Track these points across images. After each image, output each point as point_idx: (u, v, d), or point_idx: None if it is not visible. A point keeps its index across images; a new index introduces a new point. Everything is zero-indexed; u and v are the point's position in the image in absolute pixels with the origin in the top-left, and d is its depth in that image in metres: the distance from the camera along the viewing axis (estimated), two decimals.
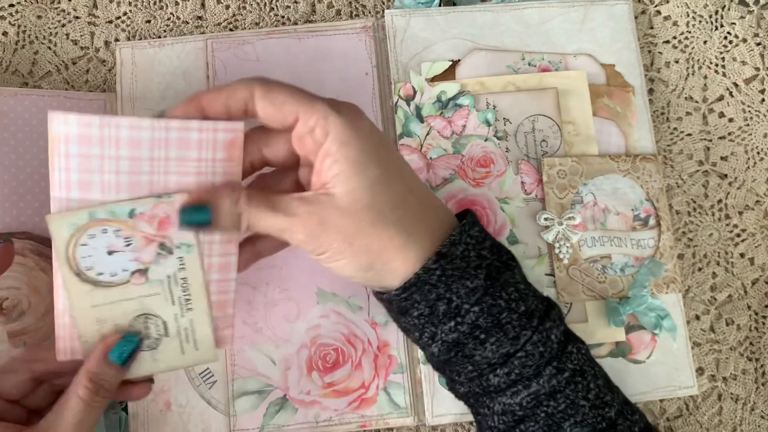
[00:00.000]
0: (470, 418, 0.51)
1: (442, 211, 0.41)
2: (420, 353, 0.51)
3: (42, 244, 0.49)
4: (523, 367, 0.39)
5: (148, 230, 0.39)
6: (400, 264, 0.39)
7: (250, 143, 0.40)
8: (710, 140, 0.57)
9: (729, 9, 0.59)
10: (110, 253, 0.39)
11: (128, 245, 0.39)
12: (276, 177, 0.43)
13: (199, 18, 0.57)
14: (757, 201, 0.56)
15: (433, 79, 0.55)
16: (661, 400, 0.53)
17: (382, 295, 0.41)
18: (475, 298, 0.38)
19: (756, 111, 0.57)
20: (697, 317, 0.55)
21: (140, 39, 0.57)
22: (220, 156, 0.39)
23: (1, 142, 0.50)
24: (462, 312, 0.39)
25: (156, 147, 0.38)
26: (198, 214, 0.38)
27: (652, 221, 0.53)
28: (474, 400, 0.42)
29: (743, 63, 0.58)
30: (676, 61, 0.58)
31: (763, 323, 0.55)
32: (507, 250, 0.42)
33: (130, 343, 0.41)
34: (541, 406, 0.39)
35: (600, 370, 0.42)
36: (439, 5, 0.57)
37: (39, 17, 0.57)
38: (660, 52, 0.58)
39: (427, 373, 0.51)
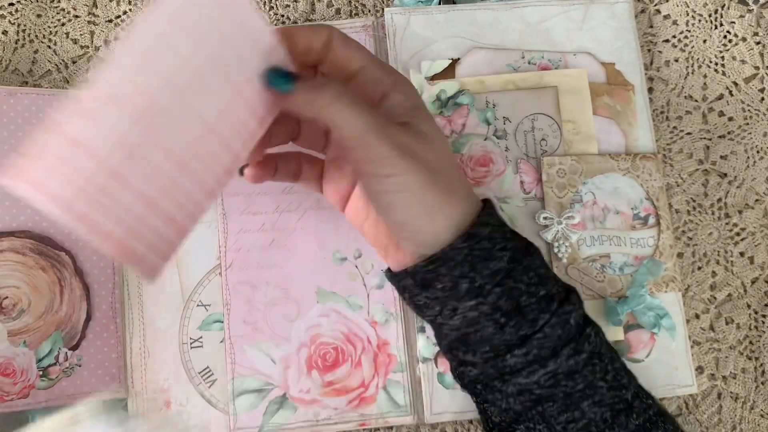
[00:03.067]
0: (470, 416, 0.51)
1: (470, 188, 0.42)
2: (419, 351, 0.51)
3: (42, 243, 0.49)
4: (540, 348, 0.39)
5: None
6: (441, 221, 0.38)
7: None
8: (710, 139, 0.57)
9: (729, 8, 0.59)
10: None
11: None
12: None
13: None
14: (757, 200, 0.56)
15: (433, 78, 0.54)
16: (661, 399, 0.53)
17: (404, 272, 0.40)
18: (497, 280, 0.39)
19: (756, 110, 0.57)
20: (697, 316, 0.55)
21: None
22: None
23: (1, 141, 0.50)
24: (484, 292, 0.39)
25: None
26: (285, 79, 0.36)
27: (651, 220, 0.53)
28: (483, 385, 0.42)
29: (743, 62, 0.58)
30: (676, 60, 0.58)
31: (763, 322, 0.55)
32: (524, 237, 0.42)
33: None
34: (559, 386, 0.40)
35: (616, 354, 0.42)
36: (439, 3, 0.56)
37: (39, 16, 0.57)
38: (660, 51, 0.58)
39: (427, 372, 0.51)
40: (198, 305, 0.52)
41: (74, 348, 0.49)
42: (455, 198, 0.39)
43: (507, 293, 0.39)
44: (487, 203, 0.41)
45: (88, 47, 0.57)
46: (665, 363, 0.52)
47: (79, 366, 0.49)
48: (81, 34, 0.57)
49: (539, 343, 0.39)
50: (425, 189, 0.37)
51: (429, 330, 0.51)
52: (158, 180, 0.32)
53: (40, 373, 0.49)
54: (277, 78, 0.36)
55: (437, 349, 0.51)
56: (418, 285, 0.40)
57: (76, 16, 0.57)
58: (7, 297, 0.49)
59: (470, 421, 0.52)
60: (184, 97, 0.32)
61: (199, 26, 0.32)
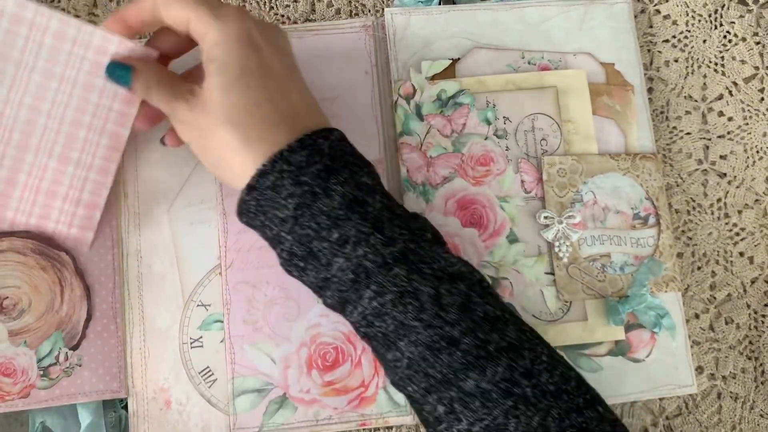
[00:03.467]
0: None
1: (301, 124, 0.42)
2: None
3: (43, 243, 0.49)
4: (339, 291, 0.40)
5: None
6: (238, 168, 0.41)
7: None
8: (709, 139, 0.57)
9: (728, 8, 0.59)
10: None
11: None
12: None
13: None
14: (757, 200, 0.56)
15: (433, 78, 0.55)
16: (661, 399, 0.53)
17: None
18: (287, 228, 0.40)
19: (755, 110, 0.57)
20: (697, 316, 0.55)
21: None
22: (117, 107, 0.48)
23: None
24: (280, 239, 0.41)
25: (76, 45, 0.46)
26: (120, 73, 0.44)
27: (651, 220, 0.54)
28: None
29: (743, 62, 0.58)
30: (676, 60, 0.58)
31: (763, 322, 0.55)
32: (346, 171, 0.41)
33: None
34: (373, 326, 0.40)
35: (453, 288, 0.40)
36: (439, 4, 0.57)
37: None
38: (659, 51, 0.58)
39: None
40: (198, 305, 0.52)
41: (75, 348, 0.49)
42: (263, 137, 0.41)
43: (297, 240, 0.40)
44: (309, 138, 0.41)
45: None
46: (665, 363, 0.52)
47: (80, 366, 0.49)
48: None
49: (337, 287, 0.40)
50: (201, 152, 0.43)
51: None
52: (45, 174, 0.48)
53: (41, 372, 0.49)
54: (114, 74, 0.45)
55: None
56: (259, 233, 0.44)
57: (77, 17, 0.57)
58: (7, 297, 0.49)
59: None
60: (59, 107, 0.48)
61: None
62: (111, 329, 0.50)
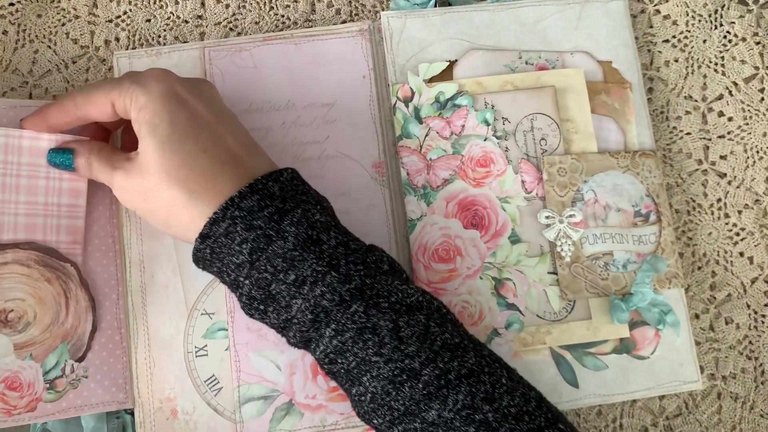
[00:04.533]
0: None
1: (242, 171, 0.42)
2: None
3: (47, 254, 0.49)
4: (301, 332, 0.41)
5: None
6: (187, 221, 0.42)
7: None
8: (709, 139, 0.57)
9: (728, 8, 0.59)
10: None
11: None
12: None
13: (199, 17, 0.57)
14: (756, 200, 0.56)
15: (431, 80, 0.55)
16: (661, 399, 0.53)
17: None
18: (245, 273, 0.41)
19: (755, 110, 0.58)
20: (697, 316, 0.55)
21: (140, 38, 0.57)
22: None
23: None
24: (239, 284, 0.41)
25: (9, 152, 0.48)
26: (61, 158, 0.47)
27: (653, 217, 0.54)
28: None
29: (743, 62, 0.58)
30: (676, 60, 0.58)
31: (763, 322, 0.55)
32: (299, 211, 0.42)
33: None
34: (336, 363, 0.41)
35: (411, 319, 0.40)
36: (435, 6, 0.57)
37: (39, 16, 0.57)
38: (659, 51, 0.59)
39: None
40: (202, 314, 0.52)
41: (80, 360, 0.49)
42: (207, 187, 0.41)
43: (255, 284, 0.40)
44: (259, 182, 0.42)
45: (88, 47, 0.57)
46: (670, 359, 0.52)
47: (86, 377, 0.49)
48: (81, 34, 0.57)
49: (297, 328, 0.41)
50: (148, 214, 0.44)
51: None
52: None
53: (47, 385, 0.49)
54: (56, 160, 0.47)
55: None
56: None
57: (77, 16, 0.57)
58: (12, 310, 0.48)
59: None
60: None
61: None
62: (116, 340, 0.50)
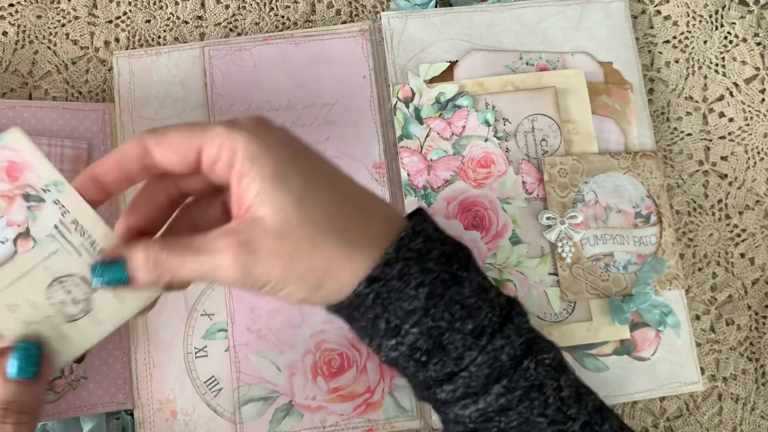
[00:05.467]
0: None
1: (385, 213, 0.38)
2: None
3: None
4: (467, 386, 0.37)
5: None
6: (349, 276, 0.35)
7: (163, 178, 0.37)
8: (710, 140, 0.57)
9: (729, 9, 0.59)
10: None
11: None
12: (201, 207, 0.40)
13: (199, 18, 0.57)
14: (757, 201, 0.56)
15: (432, 81, 0.54)
16: (662, 400, 0.53)
17: (328, 308, 0.39)
18: (414, 320, 0.36)
19: (756, 111, 0.57)
20: (698, 317, 0.55)
21: (140, 39, 0.57)
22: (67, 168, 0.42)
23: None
24: (402, 332, 0.36)
25: None
26: (113, 272, 0.35)
27: (653, 218, 0.54)
28: (432, 405, 0.40)
29: (743, 63, 0.58)
30: (676, 61, 0.58)
31: (764, 323, 0.55)
32: (462, 253, 0.38)
33: (24, 351, 0.35)
34: (491, 422, 0.37)
35: (568, 379, 0.39)
36: (436, 6, 0.56)
37: (39, 17, 0.57)
38: (660, 52, 0.58)
39: None
40: (202, 314, 0.51)
41: (79, 361, 0.49)
42: (364, 237, 0.36)
43: (426, 333, 0.36)
44: (414, 220, 0.37)
45: (88, 48, 0.57)
46: (671, 361, 0.52)
47: (85, 378, 0.49)
48: (81, 35, 0.57)
49: (465, 382, 0.37)
50: (296, 281, 0.35)
51: None
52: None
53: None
54: (106, 282, 0.35)
55: None
56: (345, 320, 0.39)
57: (76, 17, 0.57)
58: None
59: None
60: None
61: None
62: (115, 341, 0.50)
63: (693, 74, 0.58)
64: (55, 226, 0.35)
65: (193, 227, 0.38)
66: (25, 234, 0.35)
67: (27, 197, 0.35)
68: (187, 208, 0.39)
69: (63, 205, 0.35)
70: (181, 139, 0.34)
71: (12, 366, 0.35)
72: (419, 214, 0.38)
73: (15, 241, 0.34)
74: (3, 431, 0.34)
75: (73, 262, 0.35)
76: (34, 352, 0.35)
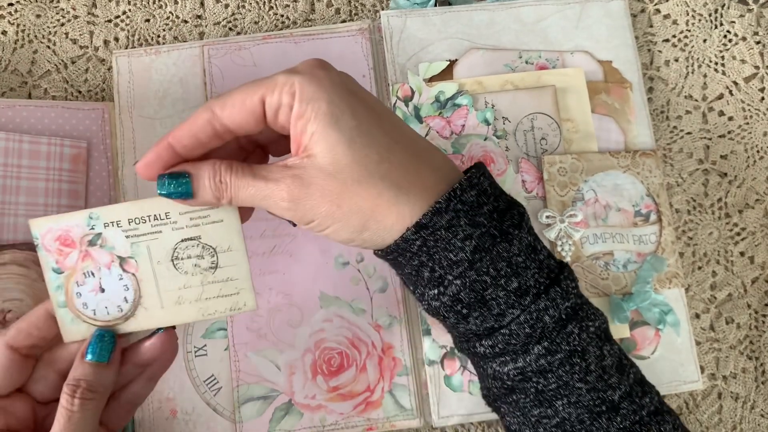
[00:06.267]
0: (476, 419, 0.51)
1: (439, 162, 0.38)
2: (425, 354, 0.51)
3: None
4: (507, 343, 0.37)
5: (74, 258, 0.39)
6: (394, 221, 0.36)
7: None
8: (710, 139, 0.57)
9: (729, 7, 0.59)
10: (102, 291, 0.39)
11: (91, 276, 0.39)
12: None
13: (199, 17, 0.57)
14: (757, 199, 0.56)
15: (431, 80, 0.54)
16: (665, 396, 0.53)
17: (376, 253, 0.40)
18: (458, 271, 0.36)
19: (756, 109, 0.57)
20: (697, 316, 0.55)
21: (139, 38, 0.57)
22: (66, 167, 0.45)
23: None
24: (445, 282, 0.37)
25: (10, 155, 0.45)
26: (177, 184, 0.37)
27: (653, 217, 0.53)
28: (471, 358, 0.41)
29: (743, 61, 0.58)
30: (676, 60, 0.58)
31: (763, 322, 0.55)
32: (516, 211, 0.38)
33: (101, 337, 0.39)
34: (530, 381, 0.38)
35: (612, 348, 0.39)
36: (435, 5, 0.56)
37: (38, 16, 0.57)
38: (659, 51, 0.58)
39: (433, 375, 0.51)
40: None
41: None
42: (412, 181, 0.36)
43: (469, 286, 0.36)
44: (471, 173, 0.37)
45: (87, 47, 0.57)
46: (670, 359, 0.52)
47: None
48: (80, 34, 0.57)
49: (505, 339, 0.37)
50: (341, 220, 0.36)
51: (434, 332, 0.51)
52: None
53: None
54: (168, 192, 0.37)
55: (443, 351, 0.51)
56: (391, 265, 0.40)
57: (76, 17, 0.57)
58: (11, 311, 0.48)
59: (479, 424, 0.52)
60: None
61: None
62: None
63: (692, 73, 0.58)
64: (126, 237, 0.38)
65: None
66: (122, 260, 0.39)
67: (91, 243, 0.38)
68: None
69: (110, 223, 0.38)
70: (245, 95, 0.36)
71: (90, 350, 0.38)
72: (477, 167, 0.38)
73: (124, 272, 0.39)
74: (72, 403, 0.37)
75: (163, 239, 0.39)
76: (108, 340, 0.39)
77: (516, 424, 0.39)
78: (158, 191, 0.37)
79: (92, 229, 0.38)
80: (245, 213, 0.41)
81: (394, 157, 0.36)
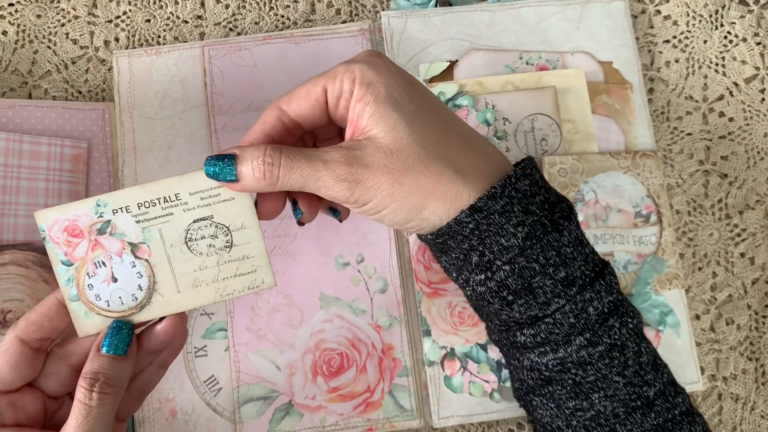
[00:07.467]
0: (476, 419, 0.51)
1: (491, 150, 0.39)
2: (425, 355, 0.51)
3: (44, 255, 0.49)
4: (549, 333, 0.37)
5: (83, 248, 0.37)
6: (452, 201, 0.36)
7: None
8: (710, 140, 0.57)
9: (729, 8, 0.59)
10: (115, 281, 0.38)
11: (103, 265, 0.38)
12: None
13: (199, 17, 0.57)
14: (758, 200, 0.56)
15: (432, 80, 0.54)
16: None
17: (421, 238, 0.40)
18: (508, 257, 0.36)
19: (756, 110, 0.57)
20: (698, 317, 0.55)
21: (139, 38, 0.57)
22: (67, 168, 0.44)
23: None
24: (493, 268, 0.37)
25: (11, 155, 0.44)
26: (222, 165, 0.36)
27: (653, 218, 0.53)
28: (506, 349, 0.41)
29: (743, 62, 0.58)
30: (676, 61, 0.58)
31: (763, 323, 0.55)
32: (566, 204, 0.39)
33: (117, 329, 0.38)
34: (568, 373, 0.38)
35: (648, 346, 0.39)
36: (435, 6, 0.56)
37: (39, 16, 0.57)
38: (660, 52, 0.58)
39: (433, 376, 0.51)
40: (201, 314, 0.51)
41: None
42: (469, 163, 0.37)
43: (518, 272, 0.37)
44: (524, 164, 0.38)
45: (87, 47, 0.57)
46: (671, 361, 0.52)
47: None
48: (81, 35, 0.57)
49: (548, 328, 0.37)
50: (401, 199, 0.36)
51: (435, 333, 0.51)
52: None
53: None
54: (213, 172, 0.37)
55: (443, 352, 0.51)
56: (437, 250, 0.40)
57: (76, 17, 0.57)
58: (11, 311, 0.48)
59: (479, 424, 0.52)
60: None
61: None
62: None
63: (693, 74, 0.58)
64: (137, 222, 0.37)
65: None
66: (134, 247, 0.38)
67: (100, 231, 0.37)
68: None
69: (119, 209, 0.37)
70: (309, 87, 0.37)
71: (106, 342, 0.37)
72: (528, 160, 0.39)
73: (137, 259, 0.38)
74: (90, 398, 0.36)
75: (175, 221, 0.38)
76: (126, 332, 0.38)
77: (549, 417, 0.40)
78: (205, 172, 0.37)
79: (100, 216, 0.37)
80: (271, 207, 0.39)
81: (451, 140, 0.37)
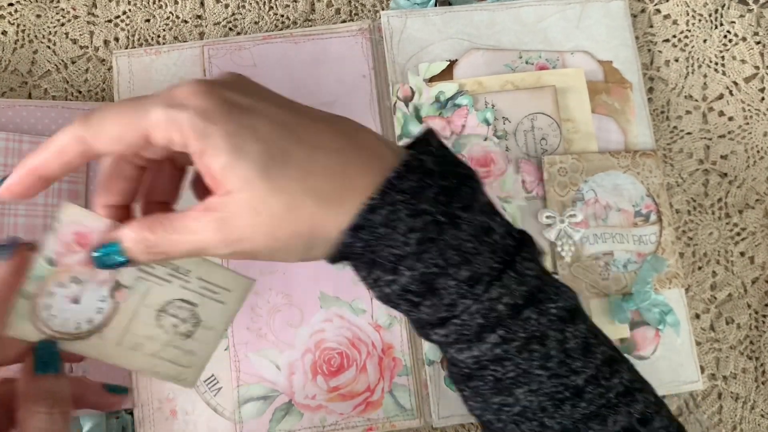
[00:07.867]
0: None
1: (371, 152, 0.35)
2: (425, 354, 0.51)
3: None
4: (459, 334, 0.35)
5: (75, 259, 0.35)
6: (330, 228, 0.33)
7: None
8: (710, 139, 0.57)
9: (729, 8, 0.59)
10: (76, 302, 0.36)
11: (79, 283, 0.36)
12: (176, 164, 0.38)
13: (199, 17, 0.57)
14: (758, 200, 0.56)
15: (431, 80, 0.54)
16: (665, 396, 0.53)
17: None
18: (406, 264, 0.34)
19: (756, 110, 0.57)
20: (697, 316, 0.55)
21: (139, 38, 0.57)
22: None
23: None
24: (397, 271, 0.34)
25: (10, 155, 0.41)
26: (113, 255, 0.34)
27: (653, 217, 0.53)
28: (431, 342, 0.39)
29: (743, 62, 0.58)
30: (676, 60, 0.58)
31: (763, 322, 0.55)
32: (466, 189, 0.35)
33: (46, 348, 0.36)
34: (486, 369, 0.36)
35: (576, 329, 0.36)
36: (435, 5, 0.56)
37: (38, 16, 0.57)
38: (660, 51, 0.58)
39: (433, 375, 0.51)
40: None
41: (79, 360, 0.49)
42: (346, 187, 0.33)
43: (417, 277, 0.34)
44: (409, 155, 0.34)
45: (87, 47, 0.57)
46: (671, 360, 0.52)
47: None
48: (80, 34, 0.57)
49: (458, 330, 0.35)
50: (284, 249, 0.34)
51: None
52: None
53: None
54: (103, 261, 0.35)
55: None
56: (352, 267, 0.37)
57: (76, 17, 0.57)
58: None
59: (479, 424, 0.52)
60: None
61: None
62: None
63: (693, 73, 0.58)
64: (139, 269, 0.36)
65: (173, 185, 0.38)
66: (117, 286, 0.36)
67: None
68: (161, 168, 0.38)
69: None
70: (121, 129, 0.32)
71: (42, 364, 0.36)
72: (421, 141, 0.35)
73: (112, 295, 0.36)
74: (53, 422, 0.35)
75: (167, 290, 0.37)
76: (53, 349, 0.36)
77: (479, 410, 0.38)
78: (95, 265, 0.35)
79: None
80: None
81: (318, 166, 0.33)
